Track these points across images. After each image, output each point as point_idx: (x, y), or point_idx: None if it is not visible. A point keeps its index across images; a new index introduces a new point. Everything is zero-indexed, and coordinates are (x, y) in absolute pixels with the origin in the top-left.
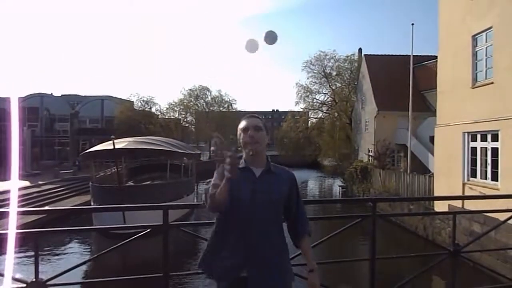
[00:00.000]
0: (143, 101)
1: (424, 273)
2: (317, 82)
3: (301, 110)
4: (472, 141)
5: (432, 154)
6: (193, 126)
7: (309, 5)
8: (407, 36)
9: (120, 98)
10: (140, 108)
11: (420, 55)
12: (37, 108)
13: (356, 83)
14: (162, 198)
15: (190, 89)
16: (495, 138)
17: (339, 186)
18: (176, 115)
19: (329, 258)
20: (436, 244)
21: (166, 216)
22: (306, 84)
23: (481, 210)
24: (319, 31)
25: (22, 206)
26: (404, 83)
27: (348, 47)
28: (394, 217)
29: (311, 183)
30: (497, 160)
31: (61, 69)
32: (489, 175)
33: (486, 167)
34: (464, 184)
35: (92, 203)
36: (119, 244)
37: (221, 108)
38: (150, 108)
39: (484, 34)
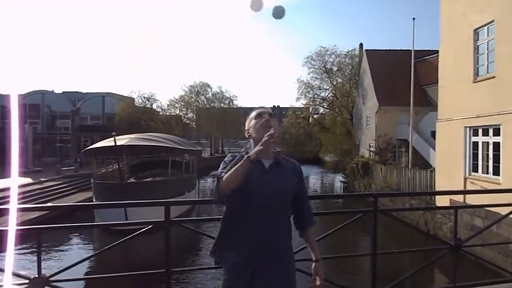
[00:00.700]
0: (144, 97)
1: (426, 268)
2: (318, 77)
3: (302, 106)
4: (473, 135)
5: (434, 149)
6: (194, 123)
7: (309, 1)
8: (408, 31)
9: (121, 95)
10: (141, 105)
11: (421, 50)
12: (38, 105)
13: (357, 78)
14: (163, 195)
15: (191, 86)
16: (496, 132)
17: (341, 181)
18: (177, 112)
19: (331, 253)
20: (438, 239)
21: (168, 212)
22: (307, 80)
23: (482, 204)
24: (320, 26)
25: (25, 203)
26: (405, 78)
27: (349, 42)
28: (396, 212)
29: (313, 179)
30: (499, 155)
31: (62, 66)
32: (490, 169)
33: (487, 161)
34: (465, 179)
35: (94, 200)
36: (121, 240)
37: (222, 105)
38: (151, 104)
39: (485, 28)
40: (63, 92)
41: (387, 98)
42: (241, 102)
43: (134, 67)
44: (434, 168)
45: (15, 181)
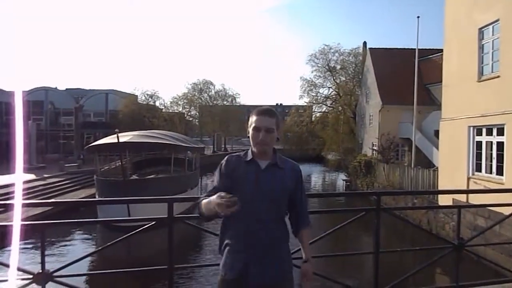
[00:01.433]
0: (147, 95)
1: (428, 267)
2: (321, 76)
3: (305, 104)
4: (477, 135)
5: (437, 148)
6: (196, 120)
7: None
8: (413, 29)
9: (124, 92)
10: (144, 102)
11: (426, 48)
12: (41, 102)
13: (360, 76)
14: (166, 192)
15: (194, 83)
16: (500, 132)
17: (343, 180)
18: (180, 109)
19: (334, 251)
20: (440, 238)
21: (171, 209)
22: (310, 78)
23: (486, 204)
24: (324, 24)
25: (28, 199)
26: (409, 76)
27: (353, 40)
28: (398, 211)
29: (315, 177)
30: (503, 154)
31: (65, 63)
32: (494, 169)
33: (491, 161)
34: (469, 179)
35: (97, 197)
36: (124, 236)
37: (224, 102)
38: (154, 102)
39: (490, 27)
40: (66, 89)
41: (390, 96)
42: (244, 100)
43: (137, 64)
44: (437, 168)
45: (19, 177)
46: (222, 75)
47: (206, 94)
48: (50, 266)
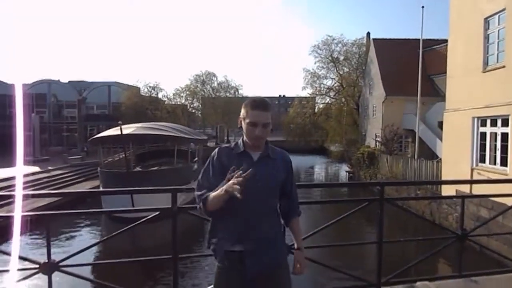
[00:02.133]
0: (150, 87)
1: (431, 257)
2: (325, 67)
3: (308, 95)
4: (481, 126)
5: (441, 139)
6: (199, 112)
7: None
8: (417, 20)
9: (127, 84)
10: (147, 94)
11: (430, 39)
12: (44, 94)
13: (364, 67)
14: (169, 183)
15: (197, 75)
16: (505, 123)
17: (346, 171)
18: (183, 101)
19: (336, 241)
20: (444, 228)
21: (174, 199)
22: (313, 69)
23: (489, 194)
24: (327, 14)
25: (33, 191)
26: (413, 67)
27: (356, 31)
28: (401, 201)
29: (318, 169)
30: (507, 146)
31: (68, 56)
32: (498, 160)
33: (495, 152)
34: (472, 170)
35: (101, 188)
36: (129, 226)
37: (227, 94)
38: (157, 94)
39: (496, 16)
40: (69, 81)
41: (394, 87)
42: (247, 91)
43: (139, 56)
44: (440, 159)
45: (20, 169)
46: (224, 66)
47: (208, 86)
48: (56, 256)
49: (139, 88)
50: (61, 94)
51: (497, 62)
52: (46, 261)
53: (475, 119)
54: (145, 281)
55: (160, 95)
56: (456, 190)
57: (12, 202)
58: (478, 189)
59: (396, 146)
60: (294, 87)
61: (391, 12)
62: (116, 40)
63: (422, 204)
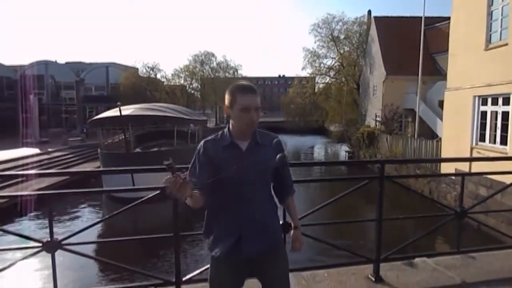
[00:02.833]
0: (148, 67)
1: (430, 235)
2: (325, 46)
3: (308, 75)
4: (482, 105)
5: (441, 119)
6: (198, 93)
7: None
8: None
9: (125, 65)
10: (145, 75)
11: (432, 16)
12: (42, 75)
13: (364, 46)
14: None
15: (195, 55)
16: (506, 101)
17: (346, 151)
18: (182, 82)
19: (336, 219)
20: (443, 205)
21: None
22: (313, 49)
23: (489, 172)
24: None
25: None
26: (415, 46)
27: (357, 9)
28: (401, 180)
29: (318, 149)
30: (507, 124)
31: (63, 36)
32: (498, 139)
33: (495, 131)
34: (472, 148)
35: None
36: (131, 204)
37: (226, 74)
38: (155, 74)
39: None
40: (66, 62)
41: (395, 67)
42: (246, 71)
43: (137, 36)
44: (440, 138)
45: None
46: (223, 46)
47: (207, 66)
48: (59, 236)
49: (137, 69)
50: (59, 76)
51: (500, 39)
52: (49, 239)
53: (476, 98)
54: (147, 259)
55: (158, 76)
56: (456, 169)
57: (15, 184)
58: (477, 168)
59: (396, 126)
60: (294, 67)
61: None
62: (113, 20)
63: (421, 183)
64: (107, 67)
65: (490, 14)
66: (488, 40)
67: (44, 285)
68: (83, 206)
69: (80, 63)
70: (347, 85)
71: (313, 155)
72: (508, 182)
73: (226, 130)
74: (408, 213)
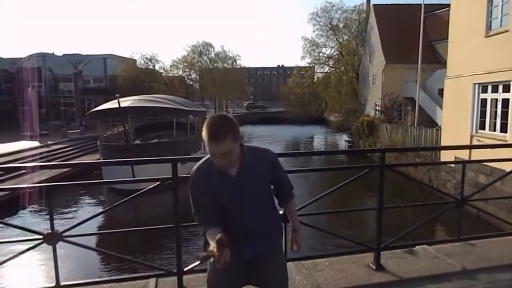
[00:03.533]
0: (146, 58)
1: (430, 223)
2: (324, 35)
3: (307, 65)
4: (482, 92)
5: (441, 107)
6: (197, 84)
7: None
8: None
9: (123, 57)
10: (143, 66)
11: (432, 4)
12: (40, 68)
13: (364, 35)
14: (169, 156)
15: (193, 45)
16: (506, 89)
17: (345, 141)
18: (180, 73)
19: (336, 208)
20: (443, 193)
21: (175, 168)
22: (312, 38)
23: (489, 159)
24: None
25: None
26: (414, 34)
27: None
28: (401, 168)
29: (317, 139)
30: (507, 112)
31: (60, 28)
32: (498, 127)
33: (495, 118)
34: (472, 136)
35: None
36: (131, 196)
37: (225, 65)
38: (154, 66)
39: None
40: (63, 54)
41: (394, 55)
42: (245, 62)
43: (134, 27)
44: (440, 127)
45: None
46: (221, 36)
47: (206, 57)
48: (60, 228)
49: (135, 60)
50: (56, 68)
51: (500, 26)
52: (50, 231)
53: (476, 85)
54: (148, 250)
55: (157, 67)
56: (455, 157)
57: (16, 177)
58: (477, 156)
59: (396, 115)
60: (293, 57)
61: None
62: (110, 13)
63: (421, 172)
64: (104, 58)
65: (490, 1)
66: (489, 27)
67: (46, 276)
68: (83, 198)
69: (77, 55)
70: (346, 74)
71: (312, 145)
72: (508, 170)
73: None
74: (408, 201)
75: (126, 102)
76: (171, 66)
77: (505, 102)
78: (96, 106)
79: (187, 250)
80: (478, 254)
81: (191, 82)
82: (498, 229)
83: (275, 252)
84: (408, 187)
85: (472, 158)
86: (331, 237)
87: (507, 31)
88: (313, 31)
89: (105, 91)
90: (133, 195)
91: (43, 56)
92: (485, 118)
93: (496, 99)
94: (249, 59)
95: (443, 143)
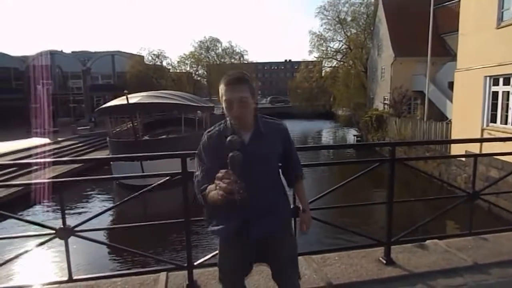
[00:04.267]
0: (154, 55)
1: (440, 217)
2: (331, 29)
3: (315, 59)
4: (494, 85)
5: (451, 100)
6: (205, 79)
7: None
8: None
9: (130, 53)
10: (151, 63)
11: None
12: (49, 66)
13: (372, 28)
14: (178, 151)
15: (201, 41)
16: None
17: (354, 135)
18: (188, 69)
19: (346, 202)
20: (454, 187)
21: (184, 163)
22: (319, 32)
23: (501, 152)
24: None
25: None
26: (423, 26)
27: None
28: (411, 162)
29: (325, 133)
30: None
31: (68, 26)
32: (510, 119)
33: (507, 111)
34: (483, 130)
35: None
36: (142, 190)
37: (232, 60)
38: (161, 62)
39: None
40: (72, 52)
41: (403, 48)
42: (252, 57)
43: (142, 24)
44: (450, 120)
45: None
46: (229, 32)
47: (213, 52)
48: (72, 222)
49: (143, 56)
50: (65, 65)
51: None
52: (62, 226)
53: (487, 78)
54: (158, 244)
55: (164, 63)
56: (466, 151)
57: (28, 173)
58: (488, 150)
59: (405, 109)
60: (301, 51)
61: None
62: (117, 8)
63: (431, 166)
64: (112, 55)
65: None
66: (500, 18)
67: (58, 270)
68: (94, 193)
69: (85, 52)
70: (354, 68)
71: (321, 139)
72: None
73: (228, 120)
74: (418, 195)
75: (135, 98)
76: (178, 62)
77: None
78: (105, 103)
79: (197, 244)
80: (490, 249)
81: (198, 78)
82: (510, 223)
83: (284, 234)
84: (418, 181)
85: (483, 152)
86: (341, 231)
87: None
88: (321, 25)
89: (113, 88)
90: (142, 190)
91: (52, 54)
92: (496, 111)
93: (508, 92)
94: (257, 54)
95: (453, 137)
